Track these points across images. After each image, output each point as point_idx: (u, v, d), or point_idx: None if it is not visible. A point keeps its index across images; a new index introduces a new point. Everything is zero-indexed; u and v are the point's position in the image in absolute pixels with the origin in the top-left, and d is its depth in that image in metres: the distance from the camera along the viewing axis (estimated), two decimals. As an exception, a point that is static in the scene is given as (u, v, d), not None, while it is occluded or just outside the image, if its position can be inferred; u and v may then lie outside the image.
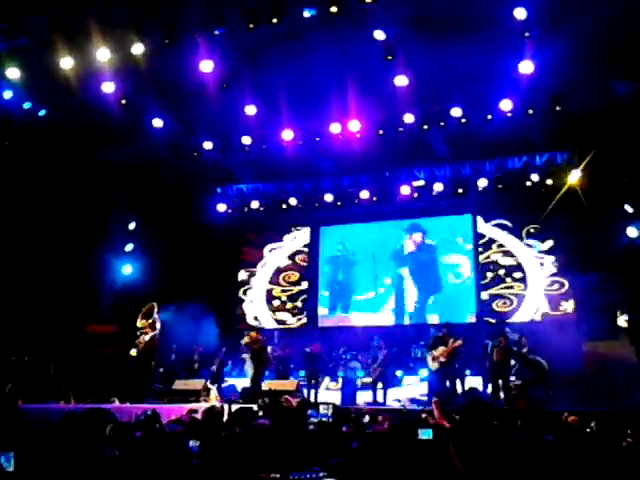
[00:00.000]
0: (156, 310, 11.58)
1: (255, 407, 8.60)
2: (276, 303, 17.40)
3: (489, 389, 12.32)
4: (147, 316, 11.52)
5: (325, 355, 14.56)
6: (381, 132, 13.66)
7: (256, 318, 17.38)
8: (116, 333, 14.12)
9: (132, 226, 16.08)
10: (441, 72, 11.44)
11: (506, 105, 12.58)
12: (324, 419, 7.55)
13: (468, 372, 13.08)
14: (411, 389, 13.98)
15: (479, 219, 16.07)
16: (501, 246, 15.70)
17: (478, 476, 3.29)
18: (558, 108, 12.29)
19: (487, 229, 15.93)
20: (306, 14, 10.22)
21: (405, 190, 15.51)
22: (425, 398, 12.73)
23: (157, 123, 13.59)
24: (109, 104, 12.18)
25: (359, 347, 14.88)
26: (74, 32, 10.78)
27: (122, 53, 11.08)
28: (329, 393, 14.33)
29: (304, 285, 17.34)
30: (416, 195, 15.58)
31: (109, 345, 13.66)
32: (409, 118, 13.20)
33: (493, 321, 15.09)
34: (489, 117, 12.91)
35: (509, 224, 15.68)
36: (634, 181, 12.61)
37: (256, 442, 4.43)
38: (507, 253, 15.59)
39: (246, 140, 14.37)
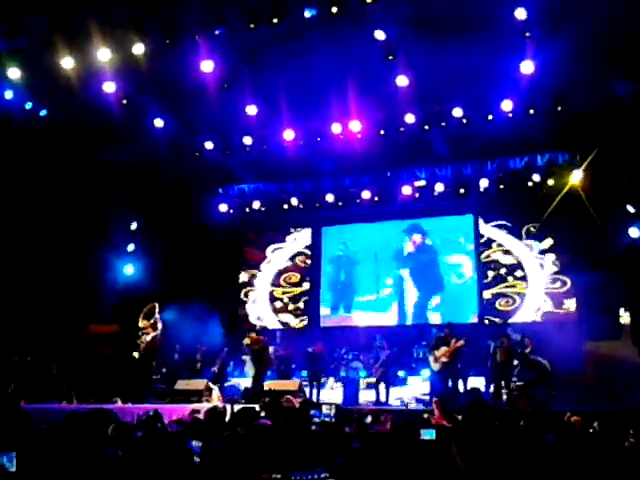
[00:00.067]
0: (157, 310, 11.59)
1: (257, 407, 8.59)
2: (278, 305, 17.40)
3: (491, 389, 12.32)
4: (148, 316, 11.53)
5: (327, 355, 14.56)
6: (382, 132, 13.67)
7: (259, 318, 17.38)
8: (118, 333, 14.12)
9: (133, 226, 16.09)
10: (442, 72, 11.43)
11: (507, 105, 12.58)
12: (327, 419, 7.54)
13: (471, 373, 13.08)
14: (415, 388, 13.95)
15: (480, 220, 16.07)
16: (500, 245, 15.71)
17: (480, 476, 3.28)
18: (559, 108, 12.29)
19: (487, 229, 15.93)
20: (307, 14, 10.21)
21: (406, 190, 15.51)
22: (427, 397, 12.73)
23: (158, 123, 13.59)
24: (110, 104, 12.18)
25: (361, 347, 14.89)
26: (74, 32, 10.78)
27: (122, 53, 11.08)
28: (331, 393, 14.32)
29: (305, 286, 17.34)
30: (417, 195, 15.59)
31: (111, 345, 13.65)
32: (410, 118, 13.20)
33: (497, 320, 15.10)
34: (490, 117, 12.91)
35: (509, 224, 15.68)
36: (635, 181, 12.60)
37: (258, 442, 4.43)
38: (507, 252, 15.61)
39: (247, 140, 14.38)
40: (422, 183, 15.55)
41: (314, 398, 13.22)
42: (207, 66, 11.25)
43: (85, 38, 10.78)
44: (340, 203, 16.11)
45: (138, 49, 10.88)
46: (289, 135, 14.02)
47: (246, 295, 17.67)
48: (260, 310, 17.47)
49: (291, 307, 17.25)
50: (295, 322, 17.11)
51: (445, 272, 16.11)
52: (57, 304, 13.43)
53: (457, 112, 12.95)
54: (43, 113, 12.97)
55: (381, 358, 13.50)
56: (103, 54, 11.00)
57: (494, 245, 15.78)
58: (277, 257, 17.77)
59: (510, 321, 14.84)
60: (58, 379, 11.90)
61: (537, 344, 12.16)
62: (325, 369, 14.38)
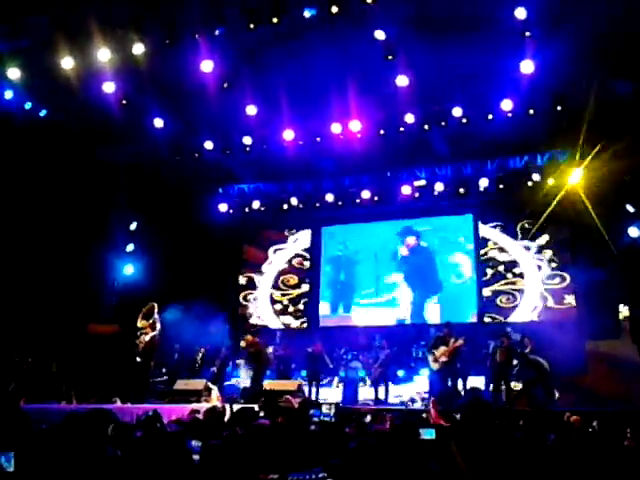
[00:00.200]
0: (156, 310, 11.58)
1: (257, 407, 8.60)
2: (278, 307, 17.40)
3: (491, 389, 12.31)
4: (147, 316, 11.52)
5: (327, 355, 14.55)
6: (382, 132, 13.67)
7: (259, 317, 17.38)
8: (118, 333, 14.12)
9: (133, 226, 16.08)
10: (442, 72, 11.43)
11: (507, 105, 12.58)
12: (327, 419, 7.56)
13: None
14: (416, 387, 13.96)
15: (479, 220, 16.07)
16: (496, 244, 15.73)
17: (481, 476, 3.28)
18: (559, 108, 12.30)
19: (486, 229, 15.93)
20: (306, 14, 10.23)
21: (406, 190, 15.50)
22: (427, 396, 12.75)
23: (158, 123, 13.60)
24: (110, 104, 12.19)
25: (360, 347, 14.89)
26: (75, 32, 10.79)
27: (123, 53, 11.10)
28: (331, 392, 14.33)
29: (304, 288, 17.33)
30: (417, 195, 15.58)
31: (111, 345, 13.65)
32: (410, 118, 13.21)
33: (499, 317, 15.09)
34: (490, 117, 12.91)
35: (506, 223, 15.67)
36: (635, 181, 12.60)
37: (257, 442, 4.43)
38: (502, 250, 15.63)
39: (247, 140, 14.39)
40: (422, 183, 15.54)
41: (313, 398, 13.23)
42: (207, 66, 11.26)
43: (85, 38, 10.80)
44: (340, 203, 16.10)
45: (138, 49, 10.90)
46: (289, 135, 14.03)
47: (245, 298, 17.66)
48: (261, 311, 17.46)
49: (291, 309, 17.25)
50: (296, 324, 17.10)
51: (444, 272, 16.09)
52: (57, 304, 13.42)
53: (457, 112, 12.96)
54: (43, 113, 12.98)
55: (380, 358, 13.52)
56: (103, 54, 11.02)
57: (490, 243, 15.81)
58: (278, 258, 17.77)
59: (511, 319, 14.84)
60: (58, 379, 11.91)
61: (537, 344, 12.16)
62: (324, 369, 14.37)
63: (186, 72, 11.51)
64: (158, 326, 11.40)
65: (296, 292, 17.36)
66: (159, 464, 3.16)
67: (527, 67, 10.98)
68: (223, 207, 17.05)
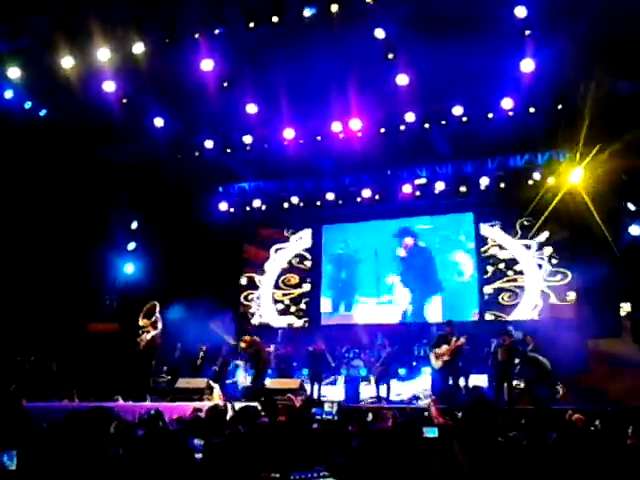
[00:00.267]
0: (158, 309, 11.57)
1: (258, 405, 8.59)
2: (280, 307, 17.39)
3: (493, 387, 12.31)
4: (149, 315, 11.51)
5: (329, 353, 14.54)
6: (382, 131, 13.67)
7: (261, 316, 17.39)
8: (118, 332, 14.12)
9: (134, 225, 16.08)
10: (442, 70, 11.40)
11: (507, 103, 12.57)
12: (329, 417, 7.55)
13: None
14: (418, 385, 13.96)
15: (479, 219, 16.07)
16: (496, 241, 15.73)
17: (483, 474, 3.28)
18: (559, 106, 12.29)
19: (486, 229, 15.93)
20: (306, 13, 10.21)
21: (407, 189, 15.50)
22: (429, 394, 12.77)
23: (158, 122, 13.58)
24: (110, 103, 12.16)
25: (362, 345, 14.89)
26: (74, 32, 10.78)
27: (122, 52, 11.07)
28: (333, 390, 14.32)
29: (305, 287, 17.31)
30: (418, 194, 15.58)
31: (111, 344, 13.65)
32: (410, 117, 13.20)
33: (501, 315, 15.09)
34: (490, 115, 12.91)
35: (506, 221, 15.66)
36: (636, 179, 12.59)
37: (259, 441, 4.43)
38: (503, 248, 15.63)
39: (247, 139, 14.38)
40: (422, 181, 15.54)
41: (315, 396, 13.22)
42: (207, 65, 11.24)
43: (85, 37, 10.79)
44: (340, 202, 16.10)
45: (138, 48, 10.88)
46: (289, 134, 14.02)
47: (246, 298, 17.64)
48: (264, 310, 17.46)
49: (293, 309, 17.24)
50: (299, 323, 17.08)
51: (445, 271, 16.09)
52: (58, 303, 13.44)
53: (457, 110, 12.95)
54: (43, 113, 12.96)
55: (382, 356, 13.52)
56: (103, 53, 10.99)
57: (490, 241, 15.81)
58: (279, 257, 17.76)
59: (512, 318, 14.83)
60: (59, 377, 11.91)
61: (538, 342, 12.15)
62: (326, 368, 14.35)
63: (186, 71, 11.48)
64: (160, 325, 11.39)
65: (297, 292, 17.35)
66: (161, 462, 3.16)
67: (527, 66, 10.96)
68: (223, 206, 17.04)
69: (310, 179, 16.33)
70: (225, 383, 13.32)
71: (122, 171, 15.07)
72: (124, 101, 12.32)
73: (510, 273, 15.38)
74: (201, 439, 4.49)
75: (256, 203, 16.81)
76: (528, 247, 15.31)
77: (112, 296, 15.66)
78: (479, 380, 12.76)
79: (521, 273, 15.28)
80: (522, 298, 15.10)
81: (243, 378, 13.77)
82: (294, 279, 17.48)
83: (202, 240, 16.23)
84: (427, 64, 11.20)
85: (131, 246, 16.05)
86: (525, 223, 15.19)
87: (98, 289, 15.37)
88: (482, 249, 15.83)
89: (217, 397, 10.83)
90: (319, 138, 14.21)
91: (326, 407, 7.95)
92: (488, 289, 15.48)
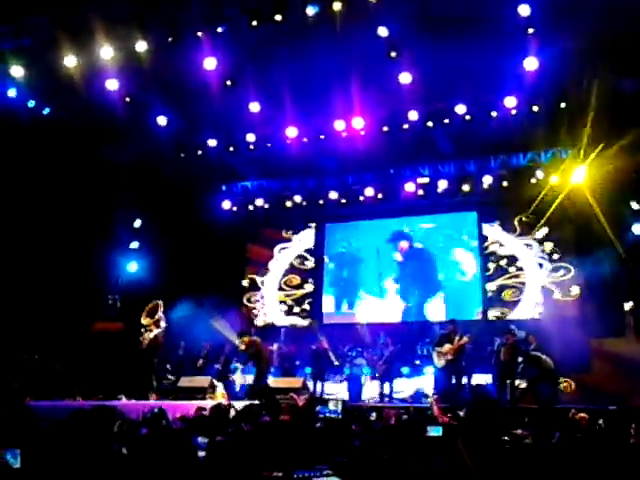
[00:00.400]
0: (161, 308, 11.57)
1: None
2: (283, 307, 17.39)
3: (496, 386, 12.30)
4: (152, 314, 11.49)
5: (331, 352, 14.53)
6: (385, 129, 13.66)
7: (265, 315, 17.38)
8: (122, 330, 14.13)
9: (137, 224, 16.07)
10: (445, 69, 11.39)
11: (510, 102, 12.55)
12: (334, 415, 7.55)
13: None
14: (421, 384, 13.96)
15: (482, 218, 16.05)
16: (498, 240, 15.74)
17: (486, 473, 3.27)
18: (563, 105, 12.26)
19: (489, 227, 15.91)
20: (309, 11, 10.19)
21: (410, 187, 15.49)
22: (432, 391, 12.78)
23: (161, 121, 13.58)
24: (113, 102, 12.17)
25: (365, 344, 14.88)
26: (77, 30, 10.77)
27: (125, 51, 11.07)
28: (337, 388, 14.32)
29: (308, 288, 17.31)
30: (421, 192, 15.57)
31: (115, 342, 13.66)
32: (413, 115, 13.20)
33: (505, 310, 15.09)
34: (493, 114, 12.90)
35: (511, 221, 15.65)
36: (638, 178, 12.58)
37: (263, 439, 4.42)
38: (504, 246, 15.63)
39: (250, 137, 14.39)
40: (425, 180, 15.54)
41: (318, 395, 13.22)
42: (210, 63, 11.23)
43: (88, 36, 10.78)
44: (343, 200, 16.11)
45: (141, 47, 10.87)
46: (292, 132, 14.03)
47: (249, 300, 17.63)
48: (268, 309, 17.46)
49: (297, 310, 17.24)
50: (304, 324, 17.06)
51: (447, 270, 16.08)
52: (61, 302, 13.43)
53: (460, 109, 12.94)
54: (46, 111, 12.97)
55: (385, 355, 13.51)
56: (106, 52, 10.99)
57: (491, 239, 15.82)
58: (283, 257, 17.75)
59: (515, 317, 14.81)
60: (62, 376, 11.91)
61: (541, 341, 12.14)
62: (329, 366, 14.34)
63: (189, 70, 11.47)
64: (163, 324, 11.38)
65: (300, 292, 17.34)
66: (165, 461, 3.16)
67: (531, 64, 10.94)
68: (226, 205, 17.06)
69: (313, 178, 16.35)
70: (228, 381, 13.33)
71: (125, 170, 15.07)
72: (127, 100, 12.33)
73: (512, 269, 15.38)
74: (205, 437, 4.49)
75: (259, 202, 16.82)
76: (529, 246, 15.29)
77: (115, 295, 15.66)
78: (483, 379, 12.75)
79: (522, 270, 15.29)
80: (525, 294, 15.10)
81: (241, 378, 13.74)
82: (296, 280, 17.48)
83: (205, 239, 16.24)
84: (430, 62, 11.18)
85: (134, 245, 16.05)
86: (528, 222, 15.18)
87: (101, 288, 15.37)
88: (483, 246, 15.82)
89: (220, 396, 10.83)
90: (322, 137, 14.22)
91: (331, 405, 7.94)
92: (491, 286, 15.48)
